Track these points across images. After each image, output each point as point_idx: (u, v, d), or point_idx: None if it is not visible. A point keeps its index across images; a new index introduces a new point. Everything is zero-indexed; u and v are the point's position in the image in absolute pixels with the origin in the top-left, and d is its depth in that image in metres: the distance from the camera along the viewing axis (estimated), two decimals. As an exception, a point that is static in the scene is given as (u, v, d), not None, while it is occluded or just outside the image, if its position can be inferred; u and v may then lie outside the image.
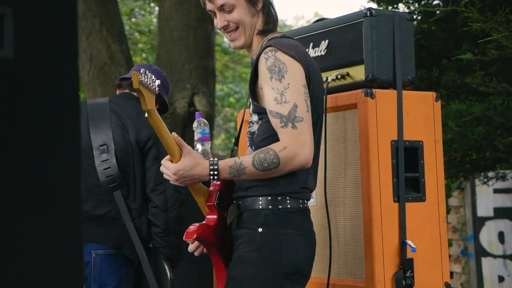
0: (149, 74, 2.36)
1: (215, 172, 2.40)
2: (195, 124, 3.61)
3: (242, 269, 2.45)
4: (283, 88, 2.38)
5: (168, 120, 6.70)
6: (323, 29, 3.08)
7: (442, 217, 2.98)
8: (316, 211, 2.99)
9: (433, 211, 2.96)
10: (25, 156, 1.13)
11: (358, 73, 2.93)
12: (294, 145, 2.35)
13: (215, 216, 2.55)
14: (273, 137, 2.42)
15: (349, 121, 2.90)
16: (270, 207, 2.46)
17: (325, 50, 3.06)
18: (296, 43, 2.57)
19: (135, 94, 3.33)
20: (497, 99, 4.50)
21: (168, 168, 2.45)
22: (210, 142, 3.55)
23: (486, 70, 4.55)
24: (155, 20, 15.10)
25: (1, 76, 1.12)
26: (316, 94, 2.50)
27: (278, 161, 2.35)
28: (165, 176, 2.49)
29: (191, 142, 3.06)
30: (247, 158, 2.40)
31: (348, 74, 2.96)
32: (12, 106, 1.13)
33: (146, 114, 2.40)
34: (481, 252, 6.99)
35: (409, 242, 2.82)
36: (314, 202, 3.00)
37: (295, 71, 2.41)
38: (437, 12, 4.77)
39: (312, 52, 3.11)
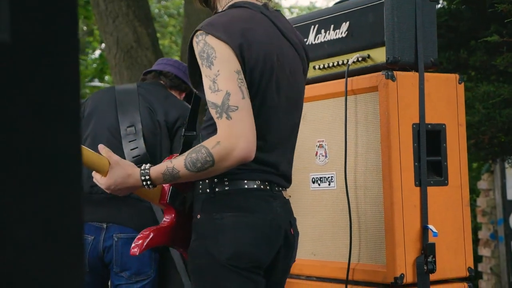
0: None
1: (148, 182, 2.23)
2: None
3: (191, 261, 2.30)
4: (214, 75, 2.15)
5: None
6: (343, 11, 3.04)
7: (466, 202, 2.94)
8: (337, 195, 2.96)
9: (456, 195, 2.92)
10: (21, 141, 1.12)
11: (379, 55, 2.88)
12: (228, 139, 2.11)
13: (171, 216, 2.39)
14: (212, 127, 2.21)
15: (370, 104, 2.86)
16: (208, 190, 2.25)
17: (346, 32, 3.02)
18: (233, 18, 2.27)
19: (161, 82, 3.37)
20: (526, 81, 4.42)
21: (100, 184, 2.30)
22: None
23: (514, 51, 4.46)
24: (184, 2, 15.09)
25: (-3, 61, 1.10)
26: (259, 73, 2.23)
27: (212, 159, 2.12)
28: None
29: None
30: (179, 160, 2.17)
31: (369, 57, 2.92)
32: (9, 90, 1.11)
33: None
34: (511, 235, 6.91)
35: (430, 226, 2.78)
36: (334, 186, 2.98)
37: (224, 56, 2.16)
38: (465, -8, 4.68)
39: (333, 34, 3.07)
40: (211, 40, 2.18)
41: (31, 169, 1.10)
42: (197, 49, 2.20)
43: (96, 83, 13.69)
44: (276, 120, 2.30)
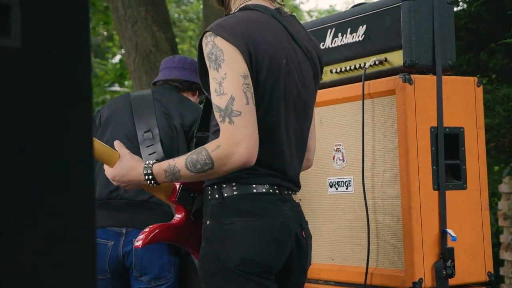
0: None
1: (150, 177, 2.25)
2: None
3: (201, 267, 2.29)
4: (221, 78, 2.13)
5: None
6: (360, 14, 3.02)
7: (485, 205, 2.91)
8: (355, 200, 2.95)
9: (475, 199, 2.89)
10: (33, 146, 1.12)
11: (396, 58, 2.87)
12: (229, 143, 2.11)
13: (181, 214, 2.40)
14: (219, 131, 2.18)
15: (387, 108, 2.84)
16: (216, 196, 2.24)
17: (363, 36, 3.01)
18: (242, 20, 2.25)
19: (176, 84, 3.36)
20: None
21: (108, 175, 2.36)
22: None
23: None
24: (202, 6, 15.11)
25: (8, 67, 1.11)
26: (266, 75, 2.22)
27: (211, 162, 2.12)
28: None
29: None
30: (180, 160, 2.19)
31: (386, 60, 2.90)
32: (21, 95, 1.12)
33: None
34: (533, 239, 6.84)
35: (449, 231, 2.75)
36: (352, 190, 2.96)
37: (233, 59, 2.15)
38: (484, -6, 4.65)
39: (350, 38, 3.06)
40: (220, 41, 2.16)
41: (43, 174, 1.11)
42: (205, 51, 2.18)
43: (116, 88, 13.75)
44: (284, 124, 2.28)
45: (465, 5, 5.26)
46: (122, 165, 2.32)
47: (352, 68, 3.03)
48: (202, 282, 2.30)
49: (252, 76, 2.18)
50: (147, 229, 2.35)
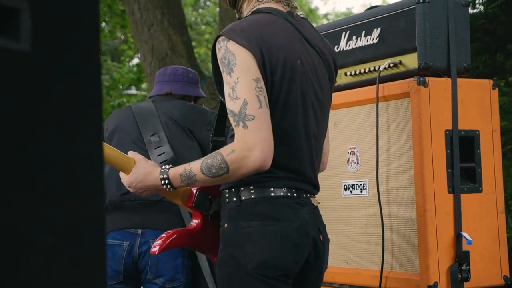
0: None
1: (166, 182, 2.25)
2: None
3: (219, 271, 2.29)
4: (234, 82, 2.14)
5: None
6: (375, 17, 3.02)
7: (500, 209, 2.89)
8: (369, 203, 2.94)
9: (490, 202, 2.87)
10: (43, 150, 1.13)
11: (411, 61, 2.85)
12: (243, 147, 2.11)
13: (198, 219, 2.40)
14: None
15: (402, 111, 2.83)
16: (234, 199, 2.24)
17: (377, 38, 3.00)
18: (254, 23, 2.25)
19: (169, 97, 3.39)
20: None
21: (124, 182, 2.35)
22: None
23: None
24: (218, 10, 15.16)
25: (18, 70, 1.12)
26: (280, 78, 2.21)
27: (227, 166, 2.12)
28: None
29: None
30: (196, 164, 2.19)
31: (400, 63, 2.89)
32: (30, 100, 1.12)
33: None
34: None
35: (464, 234, 2.74)
36: (366, 194, 2.95)
37: (245, 63, 2.15)
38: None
39: (365, 41, 3.05)
40: (232, 46, 2.16)
41: (54, 178, 1.11)
42: (218, 56, 2.19)
43: (133, 91, 13.79)
44: (303, 125, 2.27)
45: (482, 7, 5.23)
46: (138, 171, 2.31)
47: (366, 71, 3.02)
48: (219, 286, 2.30)
49: (265, 79, 2.18)
50: (164, 235, 2.34)
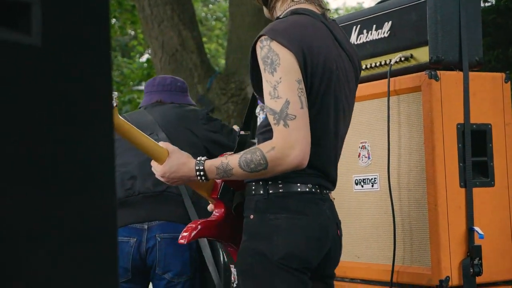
0: None
1: (201, 173, 2.29)
2: (257, 110, 3.61)
3: (242, 261, 2.35)
4: (276, 82, 2.19)
5: (239, 105, 6.71)
6: (386, 10, 3.00)
7: (513, 203, 2.88)
8: (380, 197, 2.93)
9: (502, 196, 2.86)
10: (55, 145, 1.12)
11: (422, 54, 2.84)
12: (283, 145, 2.17)
13: (220, 210, 2.44)
14: (270, 132, 2.25)
15: (413, 105, 2.82)
16: (261, 192, 2.31)
17: (388, 32, 2.99)
18: (295, 24, 2.30)
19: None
20: None
21: (156, 171, 2.39)
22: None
23: None
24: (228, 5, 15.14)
25: (29, 64, 1.12)
26: (319, 80, 2.27)
27: (266, 162, 2.18)
28: (157, 177, 2.43)
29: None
30: (234, 158, 2.24)
31: (412, 56, 2.88)
32: (41, 94, 1.12)
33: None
34: None
35: (476, 228, 2.73)
36: (378, 188, 2.95)
37: (288, 64, 2.20)
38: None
39: (375, 34, 3.04)
40: (276, 46, 2.21)
41: (65, 173, 1.11)
42: (260, 54, 2.23)
43: (143, 87, 13.79)
44: (333, 127, 2.33)
45: (493, 0, 5.20)
46: (172, 161, 2.34)
47: (377, 64, 3.01)
48: (241, 276, 2.35)
49: (305, 80, 2.23)
50: (191, 225, 2.39)
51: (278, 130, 2.18)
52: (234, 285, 3.04)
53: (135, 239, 3.10)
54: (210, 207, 2.55)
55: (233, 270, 3.11)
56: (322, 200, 2.34)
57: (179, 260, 3.12)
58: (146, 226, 3.11)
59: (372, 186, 2.97)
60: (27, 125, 1.08)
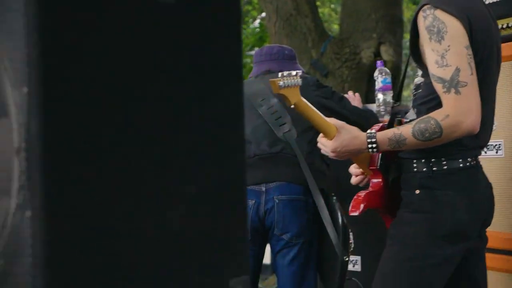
0: (286, 73, 2.42)
1: (374, 145, 2.34)
2: (376, 73, 3.55)
3: (399, 229, 2.40)
4: (444, 50, 2.22)
5: (353, 70, 6.63)
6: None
7: None
8: (504, 164, 2.84)
9: None
10: (185, 103, 1.13)
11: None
12: (457, 112, 2.21)
13: (379, 180, 2.50)
14: (433, 101, 2.31)
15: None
16: (424, 169, 2.36)
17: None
18: None
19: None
20: None
21: (326, 146, 2.43)
22: (391, 91, 3.46)
23: None
24: (343, -31, 14.93)
25: (163, 21, 1.13)
26: (482, 46, 2.31)
27: (441, 130, 2.22)
28: (323, 152, 2.48)
29: (373, 92, 3.02)
30: (406, 128, 2.29)
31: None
32: (172, 51, 1.13)
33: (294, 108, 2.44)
34: None
35: None
36: (502, 154, 2.85)
37: (455, 31, 2.23)
38: None
39: (494, -3, 2.92)
40: (441, 14, 2.24)
41: (199, 135, 1.13)
42: (424, 23, 2.25)
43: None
44: (491, 99, 2.40)
45: None
46: (343, 136, 2.39)
47: (504, 26, 2.89)
48: (393, 240, 2.40)
49: (472, 46, 2.25)
50: (359, 197, 2.46)
51: (449, 97, 2.21)
52: (352, 245, 3.05)
53: (254, 201, 3.13)
54: (354, 179, 2.60)
55: (351, 234, 3.10)
56: (482, 173, 2.42)
57: (297, 223, 3.14)
58: (264, 188, 3.13)
59: (497, 152, 2.88)
60: (159, 82, 1.09)
